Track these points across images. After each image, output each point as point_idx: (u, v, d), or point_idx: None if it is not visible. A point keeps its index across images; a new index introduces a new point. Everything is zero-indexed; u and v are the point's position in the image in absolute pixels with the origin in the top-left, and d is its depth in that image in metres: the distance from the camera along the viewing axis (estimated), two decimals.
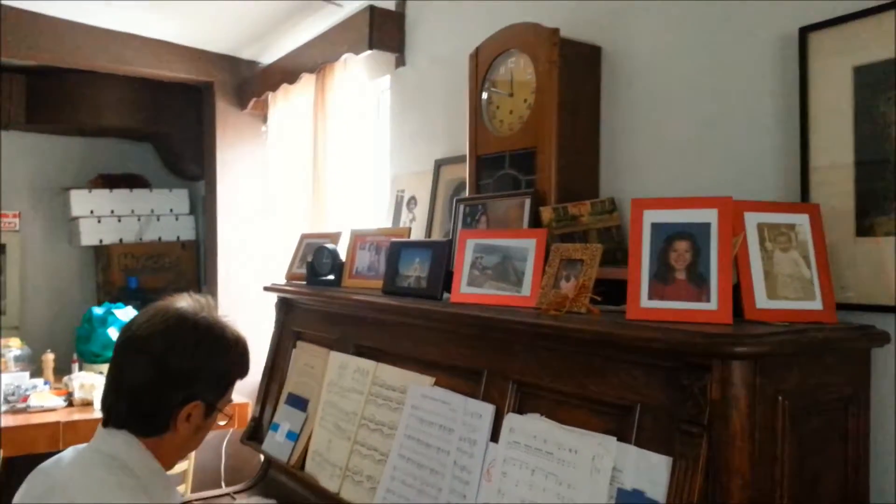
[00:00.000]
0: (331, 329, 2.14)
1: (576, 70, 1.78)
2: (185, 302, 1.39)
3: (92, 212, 4.57)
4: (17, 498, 1.31)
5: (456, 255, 1.65)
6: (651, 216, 1.28)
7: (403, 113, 2.66)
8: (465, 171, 2.31)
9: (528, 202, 1.75)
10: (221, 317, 1.42)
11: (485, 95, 1.96)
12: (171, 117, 4.36)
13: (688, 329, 1.13)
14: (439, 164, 2.43)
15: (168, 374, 1.30)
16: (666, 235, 1.26)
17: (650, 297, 1.24)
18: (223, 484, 3.27)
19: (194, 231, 4.97)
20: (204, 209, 4.86)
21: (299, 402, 2.16)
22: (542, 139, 1.75)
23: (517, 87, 1.86)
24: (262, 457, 2.29)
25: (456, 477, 1.50)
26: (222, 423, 1.45)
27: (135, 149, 5.08)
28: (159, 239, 4.84)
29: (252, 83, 3.67)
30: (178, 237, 4.91)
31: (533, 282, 1.49)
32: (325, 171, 2.97)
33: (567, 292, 1.39)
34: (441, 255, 1.71)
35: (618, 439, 1.22)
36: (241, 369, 1.43)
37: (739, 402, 1.09)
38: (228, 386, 1.41)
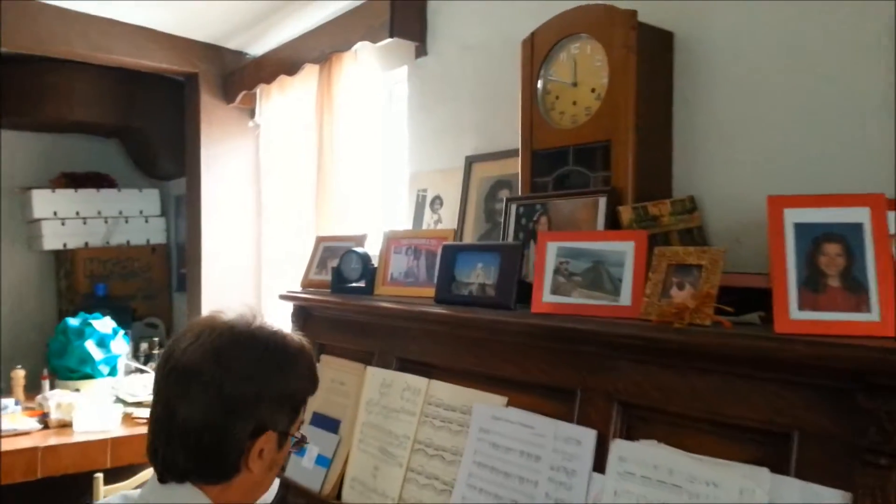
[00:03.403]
0: (363, 341, 1.94)
1: (649, 58, 1.63)
2: (229, 314, 1.17)
3: (55, 213, 4.24)
4: None
5: (535, 259, 1.47)
6: (793, 215, 1.14)
7: (425, 106, 2.48)
8: (501, 169, 2.16)
9: (603, 201, 1.59)
10: (276, 325, 1.21)
11: (540, 85, 1.80)
12: (145, 112, 4.06)
13: (867, 344, 0.99)
14: (471, 161, 2.25)
15: (230, 405, 1.08)
16: (812, 237, 1.12)
17: (801, 308, 1.10)
18: None
19: (165, 234, 4.67)
20: (178, 210, 4.57)
21: (328, 423, 1.96)
22: (617, 132, 1.60)
23: (582, 76, 1.70)
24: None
25: None
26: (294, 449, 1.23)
27: (101, 146, 4.74)
28: (128, 243, 4.53)
29: (242, 75, 3.42)
30: (147, 241, 4.61)
31: (634, 289, 1.33)
32: (332, 170, 2.76)
33: (685, 302, 1.23)
34: (513, 260, 1.53)
35: (770, 470, 1.07)
36: (312, 384, 1.23)
37: None
38: (300, 406, 1.20)
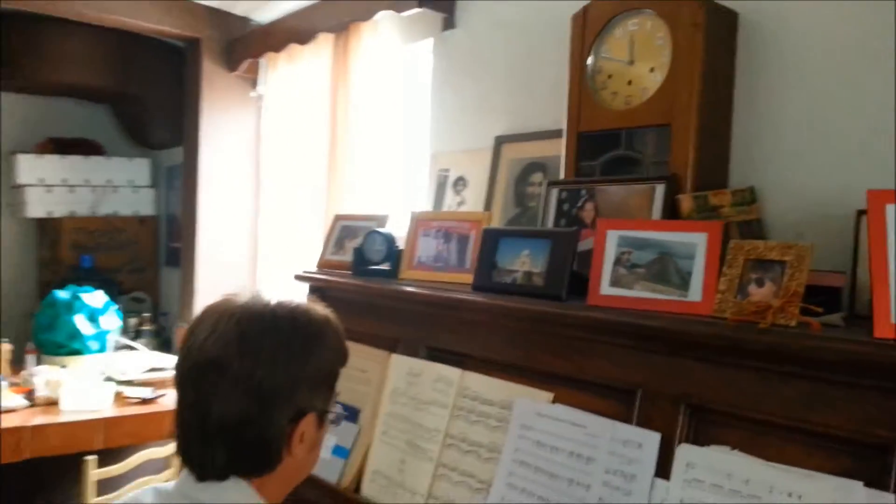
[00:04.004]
0: (387, 327, 1.84)
1: (714, 38, 1.54)
2: (243, 297, 1.06)
3: (42, 180, 4.05)
4: None
5: (594, 248, 1.38)
6: None
7: (451, 83, 2.36)
8: (534, 150, 2.06)
9: (661, 189, 1.50)
10: (295, 299, 1.10)
11: (591, 62, 1.69)
12: (140, 77, 3.86)
13: None
14: (500, 142, 2.15)
15: (267, 395, 0.99)
16: None
17: None
18: None
19: (155, 205, 4.50)
20: (170, 182, 4.41)
21: (347, 412, 1.85)
22: (679, 115, 1.50)
23: (640, 54, 1.60)
24: None
25: None
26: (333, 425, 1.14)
27: (90, 111, 4.53)
28: (115, 213, 4.35)
29: (247, 42, 3.26)
30: (136, 212, 4.43)
31: (705, 285, 1.24)
32: (346, 146, 2.64)
33: (767, 300, 1.14)
34: (565, 248, 1.44)
35: (864, 484, 0.99)
36: (343, 356, 1.13)
37: None
38: (335, 381, 1.11)
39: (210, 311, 1.05)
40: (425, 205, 2.36)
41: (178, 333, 3.61)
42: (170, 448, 2.59)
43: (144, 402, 2.81)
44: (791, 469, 1.06)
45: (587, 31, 1.68)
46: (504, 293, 1.53)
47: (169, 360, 3.14)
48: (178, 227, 4.17)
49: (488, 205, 2.13)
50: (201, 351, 1.00)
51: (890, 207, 1.06)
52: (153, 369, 3.06)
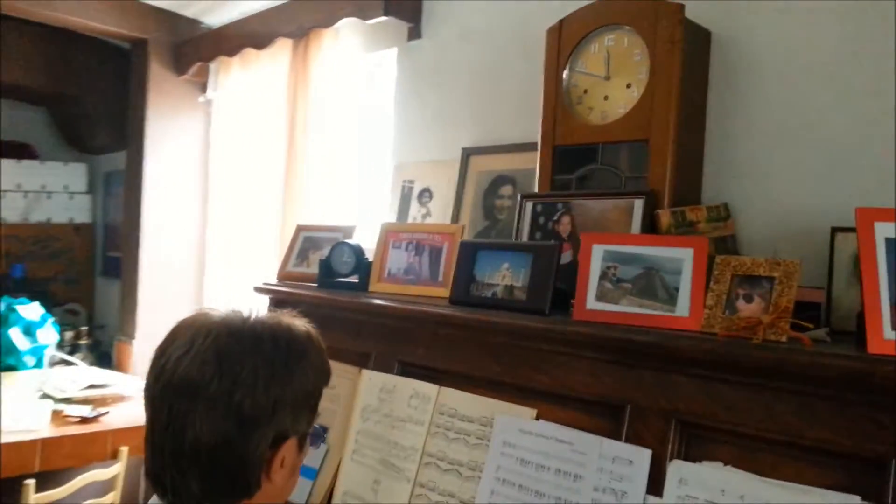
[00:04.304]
0: (356, 342, 1.78)
1: (690, 55, 1.56)
2: (219, 312, 1.01)
3: None
4: None
5: (579, 262, 1.37)
6: (884, 230, 1.08)
7: (416, 93, 2.33)
8: (504, 163, 2.05)
9: (639, 204, 1.50)
10: (273, 315, 1.05)
11: (566, 76, 1.69)
12: (79, 78, 3.69)
13: None
14: (468, 154, 2.13)
15: (246, 419, 0.94)
16: None
17: (894, 327, 1.04)
18: None
19: (91, 213, 4.30)
20: (108, 188, 4.23)
21: (324, 432, 1.79)
22: (657, 131, 1.51)
23: (616, 70, 1.61)
24: None
25: None
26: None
27: (24, 112, 4.30)
28: (49, 220, 4.15)
29: (198, 45, 3.15)
30: (71, 219, 4.23)
31: (692, 300, 1.25)
32: (304, 154, 2.57)
33: (757, 316, 1.15)
34: (548, 262, 1.42)
35: (861, 499, 1.00)
36: (327, 375, 1.09)
37: None
38: (317, 403, 1.07)
39: (184, 327, 0.99)
40: (388, 216, 2.32)
41: (119, 348, 3.45)
42: (114, 470, 2.46)
43: (84, 420, 2.66)
44: (787, 485, 1.06)
45: (563, 45, 1.68)
46: (484, 307, 1.51)
47: (110, 377, 2.98)
48: (115, 236, 4.00)
49: (455, 217, 2.10)
50: (176, 370, 0.94)
51: (879, 225, 1.08)
52: (93, 386, 2.90)
